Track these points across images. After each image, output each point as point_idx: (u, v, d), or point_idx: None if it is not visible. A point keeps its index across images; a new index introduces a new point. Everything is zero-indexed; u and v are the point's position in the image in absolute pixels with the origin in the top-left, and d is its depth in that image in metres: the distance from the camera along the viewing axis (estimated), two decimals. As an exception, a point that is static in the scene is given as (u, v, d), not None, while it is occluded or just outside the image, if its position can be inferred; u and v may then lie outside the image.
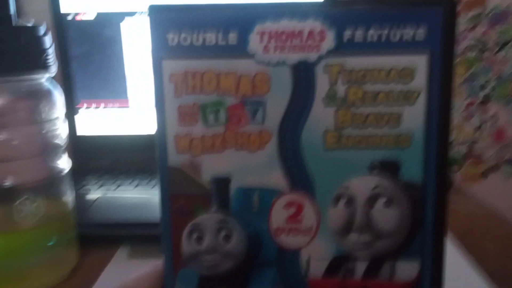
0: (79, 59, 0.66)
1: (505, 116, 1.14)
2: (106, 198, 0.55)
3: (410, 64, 0.22)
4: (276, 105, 0.22)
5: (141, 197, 0.55)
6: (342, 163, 0.22)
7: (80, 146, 0.68)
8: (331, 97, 0.22)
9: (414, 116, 0.22)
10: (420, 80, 0.22)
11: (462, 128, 1.17)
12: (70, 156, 0.69)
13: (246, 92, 0.22)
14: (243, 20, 0.22)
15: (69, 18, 0.65)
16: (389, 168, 0.22)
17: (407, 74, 0.22)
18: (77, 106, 0.67)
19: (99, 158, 0.68)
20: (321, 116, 0.22)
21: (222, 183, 0.23)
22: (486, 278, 0.35)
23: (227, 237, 0.23)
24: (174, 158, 0.23)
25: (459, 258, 0.38)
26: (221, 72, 0.22)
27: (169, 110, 0.23)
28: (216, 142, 0.23)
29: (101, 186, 0.60)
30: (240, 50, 0.22)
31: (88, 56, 0.66)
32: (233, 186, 0.23)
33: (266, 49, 0.22)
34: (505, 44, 1.08)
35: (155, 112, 0.23)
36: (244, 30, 0.22)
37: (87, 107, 0.67)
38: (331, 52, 0.22)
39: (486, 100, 1.13)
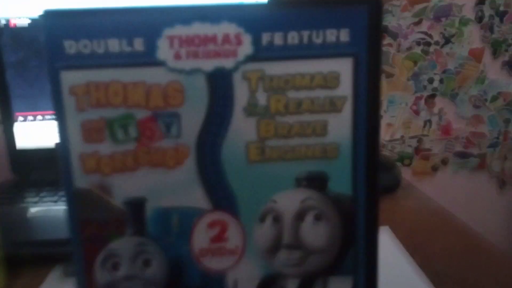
0: (14, 67, 0.62)
1: (452, 110, 1.17)
2: (43, 214, 0.51)
3: (335, 68, 0.20)
4: (192, 117, 0.20)
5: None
6: (267, 177, 0.21)
7: (20, 159, 0.64)
8: (252, 107, 0.20)
9: (341, 125, 0.20)
10: (345, 85, 0.20)
11: (411, 123, 1.18)
12: (10, 169, 0.66)
13: (157, 104, 0.20)
14: (149, 24, 0.19)
15: (2, 23, 0.60)
16: (317, 180, 0.21)
17: (332, 79, 0.20)
18: (16, 116, 0.63)
19: (40, 171, 0.65)
20: (242, 127, 0.20)
21: (137, 204, 0.21)
22: (431, 279, 0.34)
23: (146, 263, 0.21)
24: (81, 179, 0.21)
25: (403, 258, 0.37)
26: (128, 83, 0.20)
27: (72, 127, 0.20)
28: (128, 160, 0.20)
29: (41, 200, 0.56)
30: (148, 57, 0.20)
31: (24, 64, 0.62)
32: (150, 207, 0.21)
33: (177, 55, 0.20)
34: (451, 37, 1.10)
35: (56, 129, 0.20)
36: (151, 35, 0.19)
37: (24, 119, 0.63)
38: (249, 58, 0.20)
39: (433, 95, 1.16)
